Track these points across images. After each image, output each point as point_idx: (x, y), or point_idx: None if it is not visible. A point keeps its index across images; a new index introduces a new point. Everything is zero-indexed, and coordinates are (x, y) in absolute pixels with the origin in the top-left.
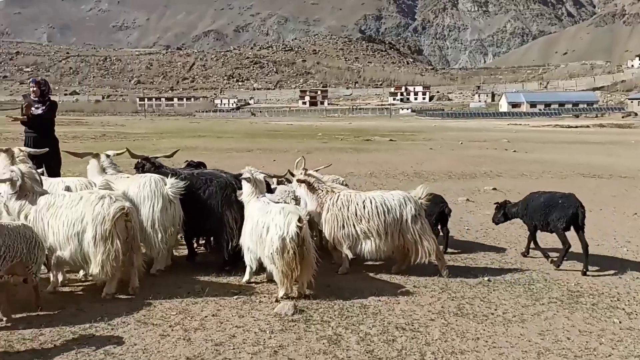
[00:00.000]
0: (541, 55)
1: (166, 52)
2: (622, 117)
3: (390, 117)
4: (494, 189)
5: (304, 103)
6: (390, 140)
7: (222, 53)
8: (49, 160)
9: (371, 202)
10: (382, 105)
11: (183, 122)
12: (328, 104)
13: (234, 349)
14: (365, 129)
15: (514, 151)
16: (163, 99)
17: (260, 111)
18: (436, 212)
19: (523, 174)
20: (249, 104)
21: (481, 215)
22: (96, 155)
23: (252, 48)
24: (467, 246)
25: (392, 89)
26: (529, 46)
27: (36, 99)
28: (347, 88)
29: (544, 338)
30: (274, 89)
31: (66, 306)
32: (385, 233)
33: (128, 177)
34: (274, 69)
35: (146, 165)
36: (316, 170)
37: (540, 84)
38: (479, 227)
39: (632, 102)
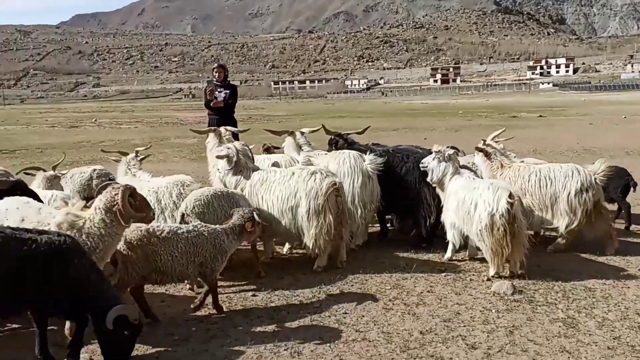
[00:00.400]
0: None
1: (298, 36)
2: None
3: (529, 93)
4: None
5: (435, 81)
6: (540, 116)
7: (352, 34)
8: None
9: (536, 175)
10: (519, 80)
11: (317, 103)
12: (461, 81)
13: (465, 326)
14: (506, 105)
15: None
16: (296, 82)
17: (391, 91)
18: (621, 184)
19: None
20: (379, 84)
21: None
22: (292, 133)
23: (381, 27)
24: None
25: (531, 63)
26: None
27: (219, 83)
28: (481, 64)
29: None
30: (404, 68)
31: (284, 276)
32: (546, 206)
33: (326, 154)
34: (404, 48)
35: (339, 141)
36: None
37: None
38: None
39: None
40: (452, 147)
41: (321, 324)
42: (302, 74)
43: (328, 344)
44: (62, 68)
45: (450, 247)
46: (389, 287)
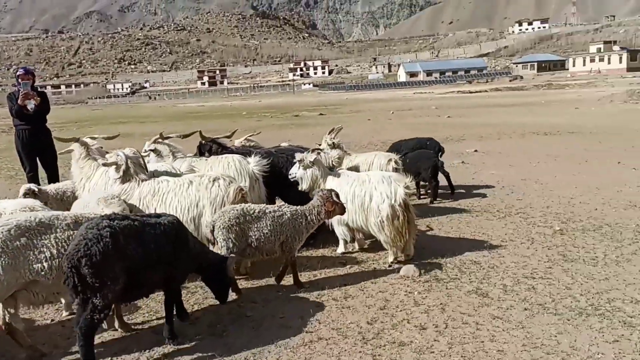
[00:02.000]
0: (429, 26)
1: (47, 37)
2: (510, 81)
3: (294, 93)
4: (476, 150)
5: (203, 84)
6: (321, 114)
7: (110, 35)
8: (43, 152)
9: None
10: (283, 81)
11: (82, 110)
12: (228, 83)
13: (401, 310)
14: (280, 105)
15: (448, 117)
16: (49, 87)
17: (159, 94)
18: (430, 165)
19: (482, 137)
20: (144, 87)
21: (489, 175)
22: (157, 140)
23: (141, 29)
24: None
25: (292, 65)
26: (417, 17)
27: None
28: (246, 66)
29: None
30: (169, 70)
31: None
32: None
33: (206, 160)
34: (168, 50)
35: (213, 146)
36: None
37: (432, 53)
38: (497, 184)
39: (516, 66)
40: (315, 149)
41: (267, 332)
42: (55, 78)
43: (289, 350)
44: None
45: (341, 242)
46: (307, 286)
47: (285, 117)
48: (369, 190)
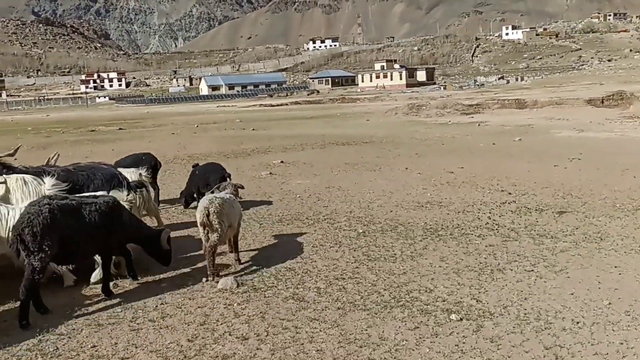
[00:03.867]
0: (228, 40)
1: None
2: (308, 95)
3: (88, 107)
4: (282, 161)
5: None
6: (120, 128)
7: None
8: None
9: None
10: (74, 94)
11: None
12: (7, 95)
13: (224, 323)
14: (72, 119)
15: (253, 129)
16: None
17: None
18: (218, 177)
19: (286, 148)
20: None
21: (296, 185)
22: None
23: None
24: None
25: (83, 76)
26: (216, 30)
27: None
28: (29, 77)
29: None
30: None
31: None
32: None
33: None
34: None
35: None
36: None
37: (233, 66)
38: (304, 193)
39: (313, 81)
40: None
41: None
42: None
43: None
44: None
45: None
46: (119, 310)
47: (80, 132)
48: None
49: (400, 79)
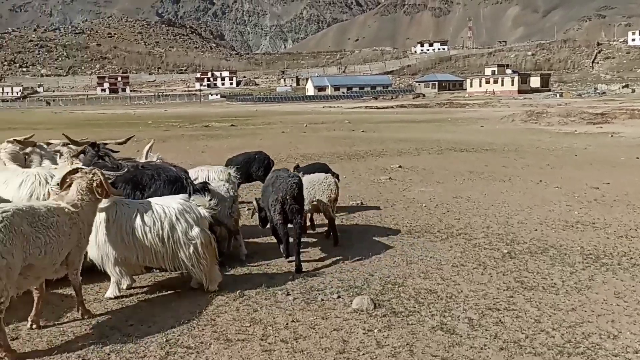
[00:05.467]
0: (336, 42)
1: None
2: (413, 98)
3: (201, 103)
4: (400, 166)
5: (104, 90)
6: (232, 125)
7: None
8: None
9: None
10: (189, 91)
11: None
12: (131, 90)
13: (365, 353)
14: (188, 115)
15: (363, 131)
16: None
17: (54, 100)
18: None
19: (401, 152)
20: (37, 92)
21: (419, 192)
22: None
23: (35, 30)
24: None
25: (199, 75)
26: (324, 32)
27: None
28: (150, 74)
29: None
30: (66, 75)
31: None
32: None
33: (55, 168)
34: (64, 54)
35: (89, 151)
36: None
37: (339, 68)
38: (429, 202)
39: (419, 84)
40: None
41: None
42: None
43: None
44: None
45: (118, 285)
46: (247, 324)
47: (195, 127)
48: (170, 219)
49: (512, 84)
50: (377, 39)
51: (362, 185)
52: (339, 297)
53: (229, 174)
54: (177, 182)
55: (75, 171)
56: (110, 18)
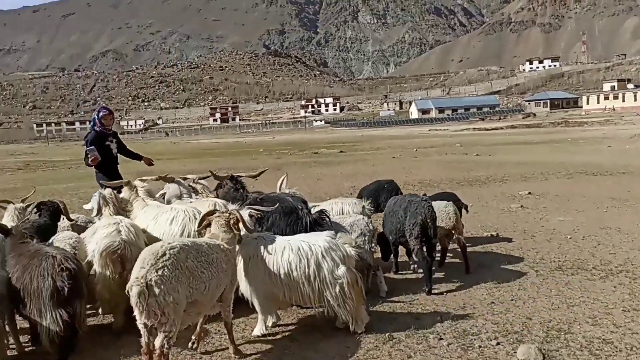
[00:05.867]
0: (439, 64)
1: (63, 75)
2: (523, 118)
3: (306, 130)
4: (530, 193)
5: (215, 120)
6: (341, 151)
7: (125, 73)
8: None
9: None
10: (294, 118)
11: None
12: (240, 119)
13: None
14: (295, 142)
15: (477, 155)
16: (64, 124)
17: (172, 131)
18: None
19: (526, 177)
20: (157, 124)
21: (558, 222)
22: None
23: (155, 67)
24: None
25: (303, 102)
26: (427, 55)
27: (109, 132)
28: (258, 103)
29: None
30: (182, 107)
31: None
32: None
33: (191, 202)
34: (181, 87)
35: (227, 184)
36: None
37: (443, 90)
38: (574, 234)
39: (529, 103)
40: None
41: None
42: (70, 115)
43: None
44: None
45: (265, 322)
46: None
47: (305, 154)
48: (317, 254)
49: (635, 100)
50: (482, 58)
51: (492, 214)
52: (498, 344)
53: (364, 206)
54: (292, 214)
55: (212, 212)
56: (221, 52)
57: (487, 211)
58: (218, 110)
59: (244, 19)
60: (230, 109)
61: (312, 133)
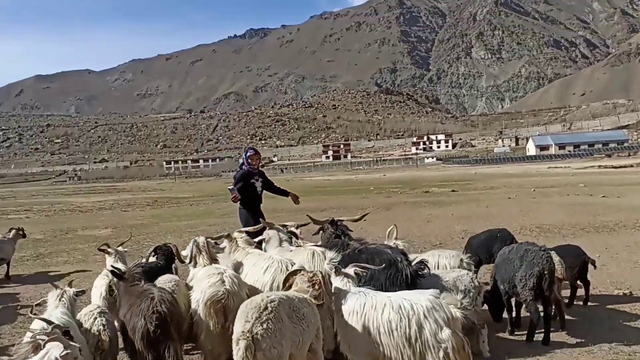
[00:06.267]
0: (558, 98)
1: (190, 116)
2: None
3: (418, 167)
4: None
5: (327, 157)
6: (452, 190)
7: (244, 113)
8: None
9: None
10: (405, 155)
11: (217, 182)
12: (351, 157)
13: None
14: (406, 179)
15: (603, 196)
16: (189, 162)
17: (286, 168)
18: (578, 264)
19: None
20: (272, 161)
21: None
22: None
23: (272, 107)
24: None
25: (415, 139)
26: (545, 89)
27: (255, 170)
28: (369, 140)
29: None
30: (296, 145)
31: None
32: None
33: (291, 251)
34: (296, 126)
35: (328, 229)
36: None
37: (564, 125)
38: None
39: None
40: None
41: None
42: (195, 153)
43: None
44: None
45: None
46: None
47: (415, 192)
48: (416, 314)
49: None
50: (607, 91)
51: (623, 267)
52: None
53: (462, 260)
54: (391, 267)
55: (295, 272)
56: (334, 91)
57: (617, 264)
58: (330, 147)
59: (356, 58)
60: (342, 146)
61: (423, 170)
